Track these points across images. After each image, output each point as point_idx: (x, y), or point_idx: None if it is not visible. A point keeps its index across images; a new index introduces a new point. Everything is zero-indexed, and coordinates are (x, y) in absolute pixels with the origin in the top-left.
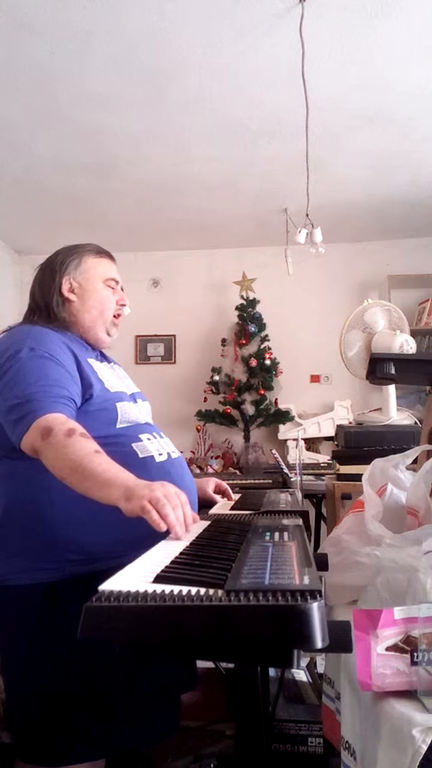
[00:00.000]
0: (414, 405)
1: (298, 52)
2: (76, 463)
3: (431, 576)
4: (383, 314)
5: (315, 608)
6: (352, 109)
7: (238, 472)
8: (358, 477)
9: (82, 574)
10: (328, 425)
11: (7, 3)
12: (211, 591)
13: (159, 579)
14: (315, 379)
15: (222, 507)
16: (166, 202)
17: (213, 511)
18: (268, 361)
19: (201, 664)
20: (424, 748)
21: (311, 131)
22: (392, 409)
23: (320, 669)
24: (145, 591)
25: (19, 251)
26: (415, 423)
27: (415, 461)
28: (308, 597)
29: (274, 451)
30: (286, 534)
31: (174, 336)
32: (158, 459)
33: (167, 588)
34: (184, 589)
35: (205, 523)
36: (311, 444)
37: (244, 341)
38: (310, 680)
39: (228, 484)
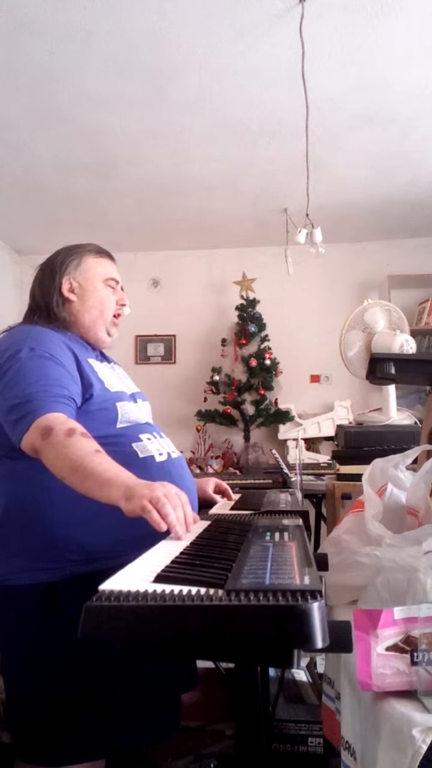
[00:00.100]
0: (414, 405)
1: (298, 52)
2: (76, 462)
3: (431, 576)
4: (383, 314)
5: (315, 608)
6: (352, 109)
7: (238, 472)
8: (358, 477)
9: (83, 574)
10: (328, 425)
11: (7, 3)
12: (212, 591)
13: (159, 579)
14: (315, 379)
15: (222, 507)
16: (166, 202)
17: (213, 511)
18: (268, 361)
19: (201, 664)
20: (424, 748)
21: (311, 131)
22: (392, 409)
23: (320, 669)
24: (146, 591)
25: (19, 251)
26: (415, 423)
27: (415, 461)
28: (308, 597)
29: (274, 451)
30: (286, 534)
31: (174, 336)
32: (158, 459)
33: (167, 588)
34: (185, 589)
35: (206, 523)
36: (311, 444)
37: (244, 341)
38: (310, 680)
39: (228, 484)
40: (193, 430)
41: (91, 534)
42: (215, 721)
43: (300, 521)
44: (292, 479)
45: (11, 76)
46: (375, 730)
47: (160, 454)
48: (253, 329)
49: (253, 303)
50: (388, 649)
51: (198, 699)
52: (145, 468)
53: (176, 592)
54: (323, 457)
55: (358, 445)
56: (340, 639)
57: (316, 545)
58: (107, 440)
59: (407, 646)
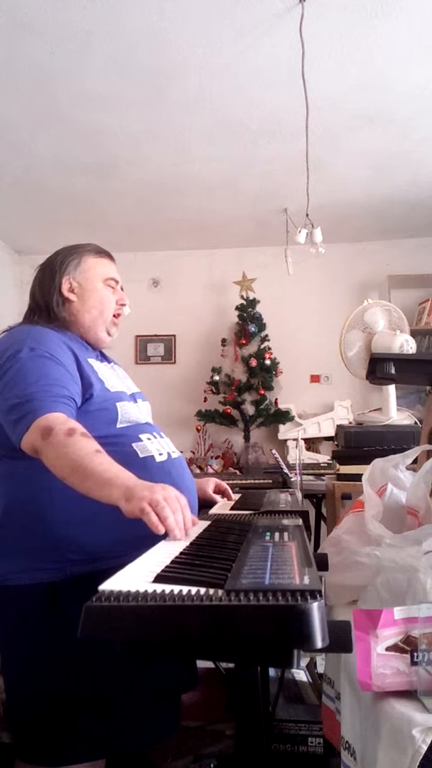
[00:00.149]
0: (414, 405)
1: (298, 52)
2: (76, 462)
3: (431, 576)
4: (383, 314)
5: (315, 608)
6: (352, 109)
7: (238, 472)
8: (358, 477)
9: (83, 574)
10: (328, 425)
11: (7, 3)
12: (212, 591)
13: (159, 579)
14: (315, 379)
15: (222, 507)
16: (166, 202)
17: (213, 511)
18: (268, 361)
19: (201, 664)
20: (424, 748)
21: (311, 131)
22: (392, 409)
23: (320, 669)
24: (146, 591)
25: (19, 251)
26: (415, 423)
27: (415, 461)
28: (308, 597)
29: (274, 451)
30: (286, 534)
31: (174, 336)
32: (158, 459)
33: (167, 588)
34: (185, 589)
35: (205, 523)
36: (311, 444)
37: (244, 341)
38: (310, 680)
39: (228, 484)
40: (193, 430)
41: (91, 534)
42: (215, 721)
43: (300, 521)
44: (292, 479)
45: (11, 76)
46: (375, 730)
47: (160, 454)
48: (253, 329)
49: (253, 303)
50: (388, 649)
51: (198, 699)
52: (145, 468)
53: (176, 592)
54: (323, 457)
55: (358, 445)
56: (340, 639)
57: (316, 545)
58: (107, 440)
59: (407, 646)
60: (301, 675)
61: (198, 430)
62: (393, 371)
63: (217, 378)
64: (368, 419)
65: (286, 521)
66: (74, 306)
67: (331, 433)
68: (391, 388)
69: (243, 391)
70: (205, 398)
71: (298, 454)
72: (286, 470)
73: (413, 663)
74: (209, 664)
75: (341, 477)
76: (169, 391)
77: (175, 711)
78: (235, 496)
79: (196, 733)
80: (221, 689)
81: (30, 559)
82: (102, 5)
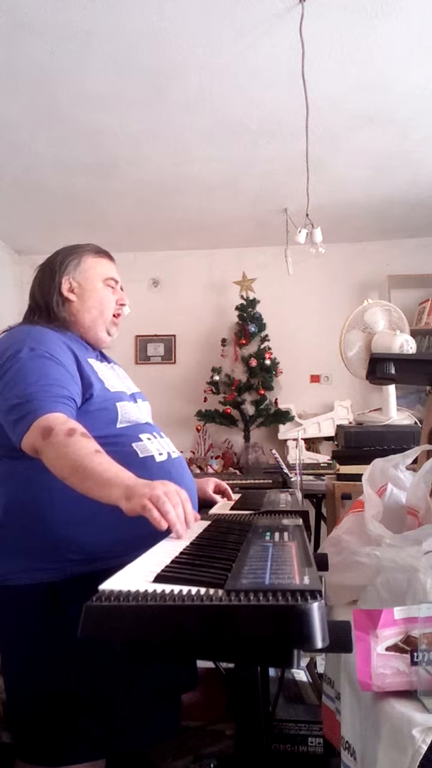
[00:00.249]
0: (414, 405)
1: (298, 52)
2: (76, 462)
3: (431, 576)
4: (383, 314)
5: (315, 608)
6: (352, 109)
7: (238, 472)
8: (358, 477)
9: (83, 574)
10: (328, 425)
11: (7, 3)
12: (212, 591)
13: (159, 578)
14: (315, 379)
15: (222, 507)
16: (166, 202)
17: (213, 511)
18: (268, 361)
19: (201, 664)
20: (424, 748)
21: (311, 131)
22: (392, 409)
23: (320, 669)
24: (146, 590)
25: (19, 251)
26: (415, 423)
27: (415, 461)
28: (308, 597)
29: (274, 451)
30: (286, 534)
31: (174, 336)
32: (158, 459)
33: (167, 588)
34: (185, 589)
35: (205, 523)
36: (311, 444)
37: (244, 341)
38: (310, 680)
39: (228, 484)
40: (193, 430)
41: (91, 534)
42: (215, 721)
43: (300, 521)
44: (292, 479)
45: (11, 76)
46: (375, 730)
47: (160, 454)
48: (253, 329)
49: (253, 303)
50: (388, 649)
51: (198, 699)
52: (145, 468)
53: (176, 592)
54: (323, 457)
55: (358, 445)
56: (340, 639)
57: (316, 545)
58: (107, 440)
59: (407, 646)
60: (301, 675)
61: (198, 430)
62: (393, 371)
63: (217, 378)
64: (368, 419)
65: (286, 521)
66: (74, 306)
67: (331, 433)
68: (391, 388)
69: (243, 391)
70: (205, 398)
71: (298, 454)
72: (286, 470)
73: (413, 663)
74: (209, 664)
75: (341, 477)
76: (169, 391)
77: (175, 711)
78: (235, 496)
79: (196, 733)
80: (221, 689)
81: (30, 559)
82: (102, 5)
